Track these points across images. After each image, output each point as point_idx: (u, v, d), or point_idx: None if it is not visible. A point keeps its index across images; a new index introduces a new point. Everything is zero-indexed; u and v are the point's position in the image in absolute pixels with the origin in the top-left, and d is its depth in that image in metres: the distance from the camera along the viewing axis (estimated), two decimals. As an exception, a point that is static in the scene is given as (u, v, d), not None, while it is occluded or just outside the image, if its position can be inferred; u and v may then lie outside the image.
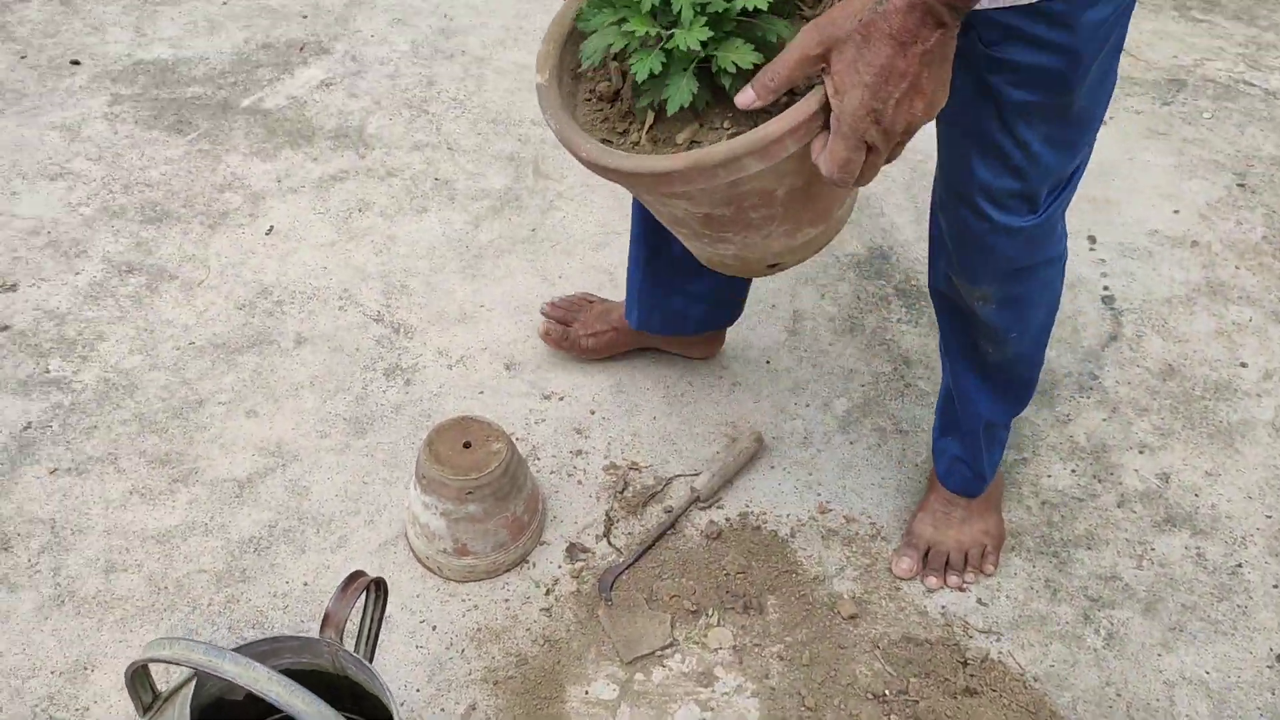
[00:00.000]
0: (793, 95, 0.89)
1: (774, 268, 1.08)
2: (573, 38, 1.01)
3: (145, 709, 1.11)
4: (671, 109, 0.90)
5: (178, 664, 0.99)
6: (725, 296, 1.62)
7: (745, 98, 0.87)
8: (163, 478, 1.58)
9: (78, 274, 1.89)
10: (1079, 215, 2.04)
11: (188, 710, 1.04)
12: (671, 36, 0.89)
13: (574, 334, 1.73)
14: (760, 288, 1.87)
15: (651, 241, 1.54)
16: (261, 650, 1.12)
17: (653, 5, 0.91)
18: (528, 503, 1.48)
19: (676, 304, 1.61)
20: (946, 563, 1.49)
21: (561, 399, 1.71)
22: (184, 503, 1.55)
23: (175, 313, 1.83)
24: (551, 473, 1.61)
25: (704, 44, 0.89)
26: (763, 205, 0.95)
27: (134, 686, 1.09)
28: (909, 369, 1.77)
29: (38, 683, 1.35)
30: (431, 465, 1.40)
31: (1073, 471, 1.64)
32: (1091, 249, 2.00)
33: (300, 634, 1.18)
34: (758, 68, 0.89)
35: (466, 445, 1.43)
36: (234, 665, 0.97)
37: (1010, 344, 1.34)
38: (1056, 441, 1.68)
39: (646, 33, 0.91)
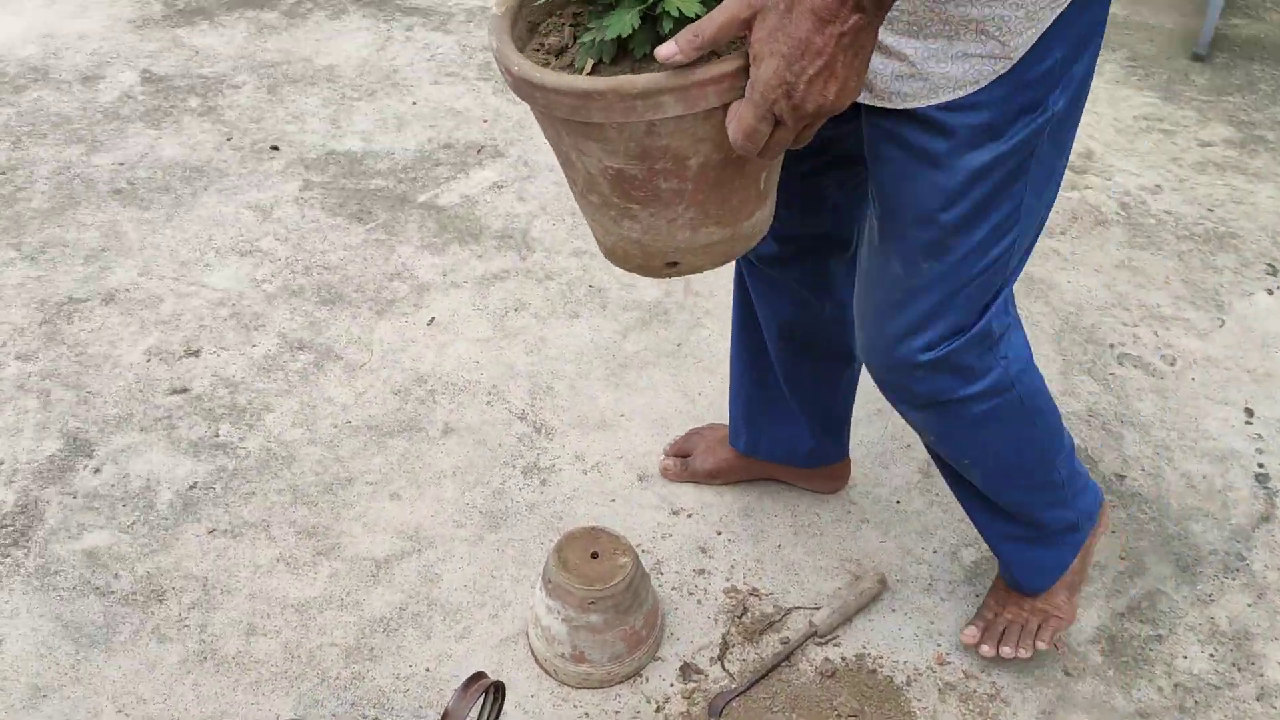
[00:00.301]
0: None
1: (673, 266, 1.06)
2: None
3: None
4: (609, 34, 0.91)
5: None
6: (824, 424, 1.65)
7: (667, 49, 0.86)
8: (308, 549, 1.67)
9: (254, 346, 2.03)
10: (1237, 387, 1.99)
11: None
12: None
13: (692, 464, 1.78)
14: (896, 423, 1.88)
15: (752, 363, 1.59)
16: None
17: None
18: (647, 618, 1.51)
19: (781, 431, 1.65)
20: (1003, 634, 1.51)
21: (689, 516, 1.74)
22: (325, 575, 1.63)
23: (336, 391, 1.94)
24: (673, 589, 1.63)
25: None
26: (674, 175, 0.95)
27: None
28: (1043, 525, 1.74)
29: (173, 734, 1.43)
30: (559, 572, 1.45)
31: (1211, 656, 1.57)
32: (1248, 423, 1.94)
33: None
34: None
35: (594, 555, 1.47)
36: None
37: (976, 477, 1.35)
38: (1196, 622, 1.62)
39: None
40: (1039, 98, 1.04)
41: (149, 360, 1.99)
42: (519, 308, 2.14)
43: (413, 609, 1.59)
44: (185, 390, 1.94)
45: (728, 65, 0.88)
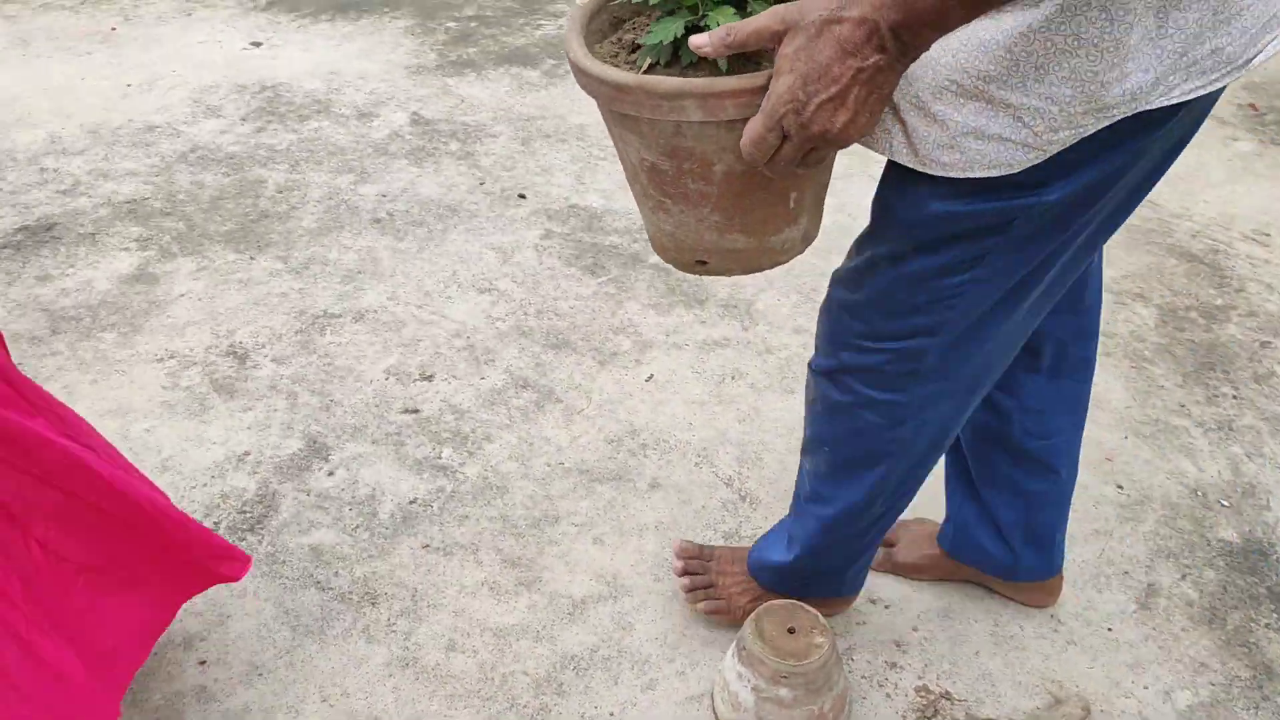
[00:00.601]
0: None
1: (703, 265, 1.12)
2: None
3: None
4: (649, 41, 0.99)
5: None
6: (1026, 536, 1.61)
7: (699, 39, 0.92)
8: (511, 578, 1.73)
9: (483, 379, 2.14)
10: None
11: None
12: None
13: (896, 555, 1.76)
14: (1115, 548, 1.80)
15: (958, 460, 1.61)
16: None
17: None
18: (835, 702, 1.49)
19: (983, 536, 1.63)
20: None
21: (887, 607, 1.71)
22: (524, 605, 1.69)
23: (553, 432, 2.02)
24: (863, 678, 1.61)
25: (703, 2, 0.98)
26: (700, 177, 1.02)
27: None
28: (1270, 680, 1.62)
29: (370, 731, 1.50)
30: (754, 641, 1.45)
31: None
32: None
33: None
34: None
35: (791, 631, 1.47)
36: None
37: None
38: None
39: None
40: (1038, 180, 1.05)
41: (387, 379, 2.13)
42: (736, 376, 2.17)
43: (604, 652, 1.62)
44: (416, 411, 2.06)
45: (747, 81, 0.93)
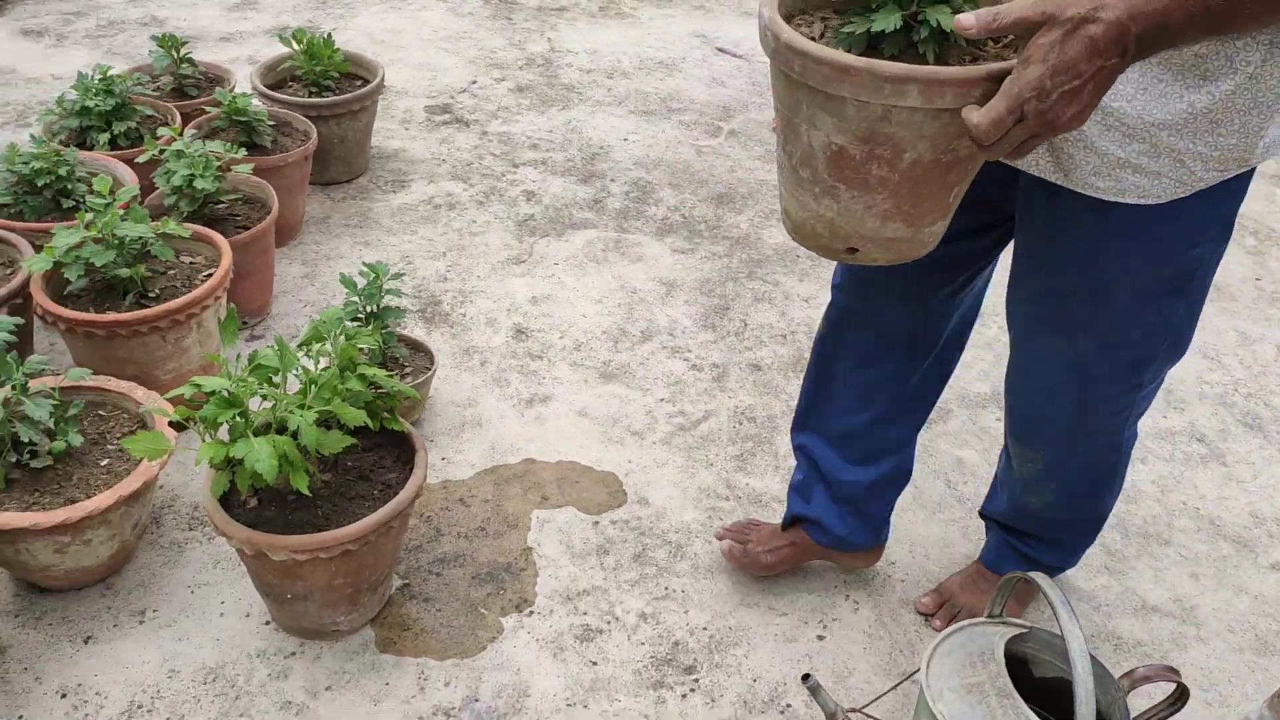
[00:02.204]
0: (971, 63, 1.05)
1: (853, 253, 1.15)
2: None
3: None
4: (876, 28, 1.02)
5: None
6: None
7: (967, 20, 0.96)
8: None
9: None
10: None
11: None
12: None
13: (752, 551, 1.95)
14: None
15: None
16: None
17: None
18: None
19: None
20: (956, 616, 1.89)
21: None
22: None
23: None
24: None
25: None
26: (888, 163, 1.05)
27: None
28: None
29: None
30: None
31: None
32: None
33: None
34: (945, 36, 1.03)
35: None
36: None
37: (1049, 496, 1.73)
38: None
39: None
40: (1220, 233, 1.32)
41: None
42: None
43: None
44: None
45: (971, 73, 0.97)
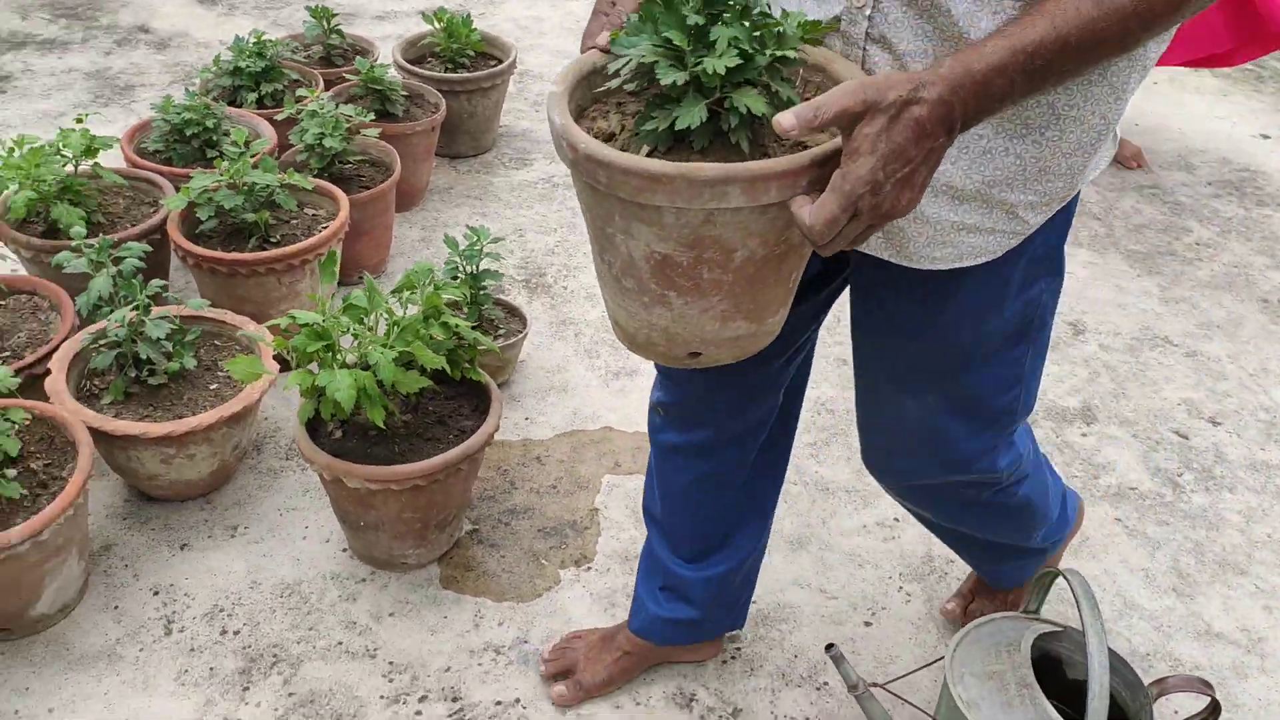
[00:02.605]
0: (767, 152, 0.98)
1: (695, 356, 1.06)
2: (586, 79, 1.06)
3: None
4: (681, 125, 0.94)
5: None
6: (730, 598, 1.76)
7: (787, 121, 0.88)
8: None
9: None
10: None
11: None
12: (700, 61, 0.94)
13: (584, 680, 1.75)
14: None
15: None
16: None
17: (696, 24, 0.95)
18: None
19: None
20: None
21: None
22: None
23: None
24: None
25: (724, 81, 0.94)
26: (718, 265, 0.97)
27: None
28: None
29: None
30: None
31: None
32: None
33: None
34: (757, 120, 0.97)
35: None
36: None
37: (967, 532, 1.67)
38: None
39: (679, 49, 0.96)
40: (1052, 268, 1.30)
41: (487, 313, 2.29)
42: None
43: None
44: (510, 343, 2.21)
45: (794, 162, 0.90)
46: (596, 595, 1.96)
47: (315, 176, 2.57)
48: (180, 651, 1.81)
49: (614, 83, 1.02)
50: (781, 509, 2.15)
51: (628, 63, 0.99)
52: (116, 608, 1.88)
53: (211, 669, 1.79)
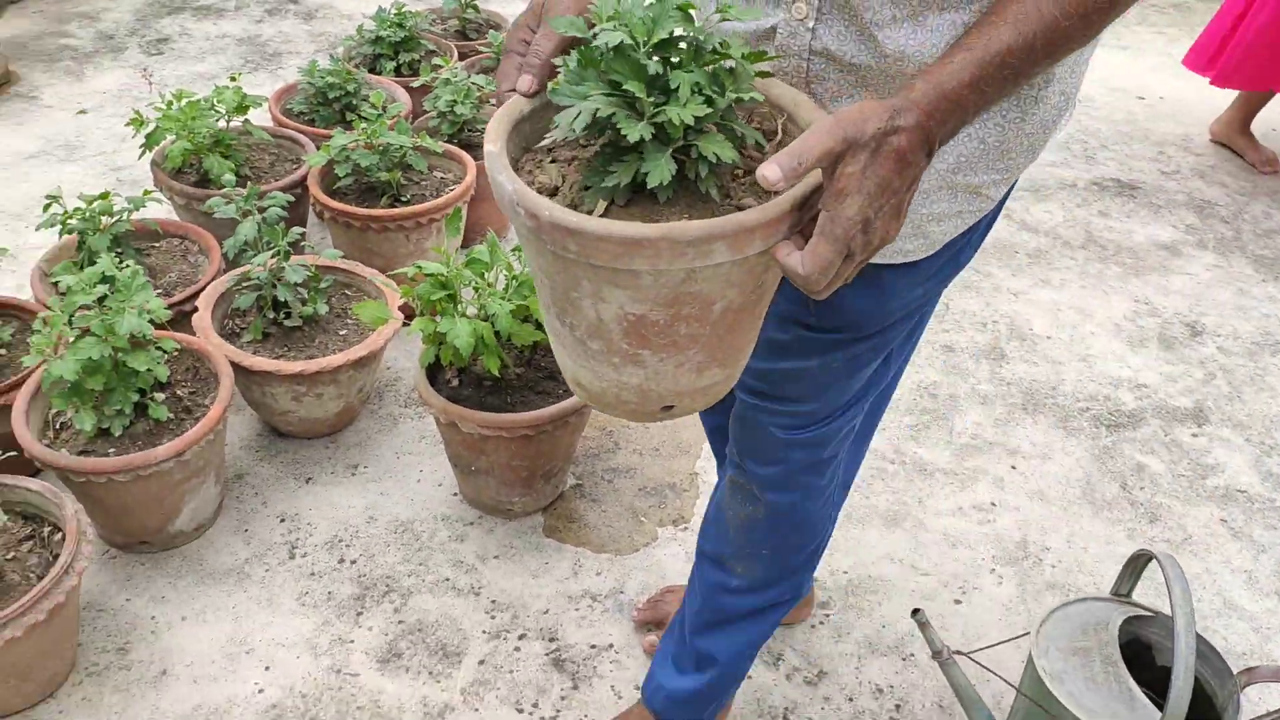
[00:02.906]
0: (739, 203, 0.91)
1: (668, 410, 0.99)
2: (519, 126, 0.98)
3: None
4: (652, 182, 0.87)
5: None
6: None
7: (773, 174, 0.81)
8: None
9: None
10: None
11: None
12: (662, 109, 0.86)
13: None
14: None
15: None
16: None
17: (655, 72, 0.87)
18: None
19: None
20: None
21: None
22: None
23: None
24: (982, 587, 1.71)
25: (689, 129, 0.87)
26: (696, 320, 0.90)
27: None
28: None
29: None
30: None
31: None
32: None
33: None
34: (724, 168, 0.92)
35: None
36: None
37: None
38: None
39: (638, 100, 0.87)
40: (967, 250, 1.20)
41: None
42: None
43: None
44: None
45: (778, 209, 0.84)
46: (691, 554, 2.02)
47: (446, 141, 2.68)
48: (302, 575, 1.95)
49: (556, 135, 0.92)
50: (878, 485, 2.19)
51: (578, 115, 0.88)
52: (246, 530, 2.02)
53: (329, 593, 1.91)
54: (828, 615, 1.92)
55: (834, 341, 1.20)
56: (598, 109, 0.87)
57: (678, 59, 0.89)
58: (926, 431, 2.35)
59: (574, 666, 1.82)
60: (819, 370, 1.22)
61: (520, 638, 1.86)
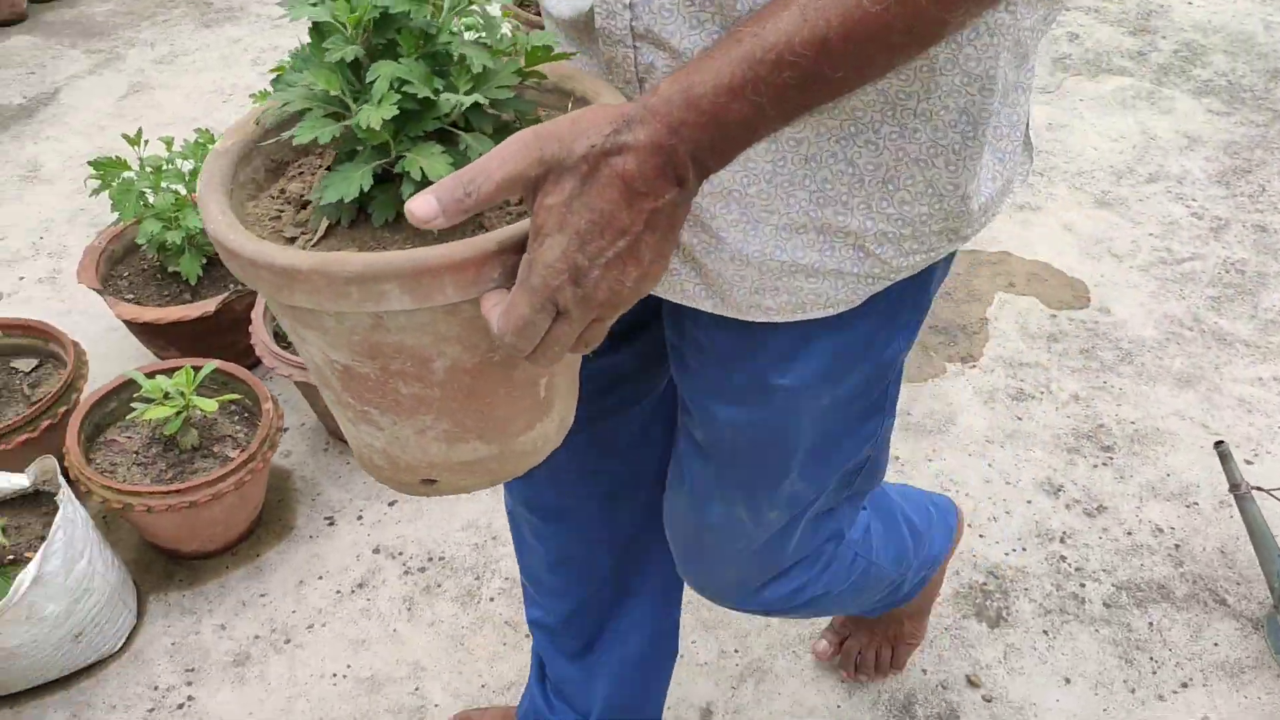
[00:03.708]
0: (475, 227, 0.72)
1: (431, 484, 0.83)
2: (281, 126, 0.81)
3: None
4: (327, 199, 0.71)
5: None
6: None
7: (424, 209, 0.62)
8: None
9: None
10: None
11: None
12: (357, 111, 0.69)
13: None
14: None
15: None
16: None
17: (353, 58, 0.70)
18: None
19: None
20: (858, 661, 1.57)
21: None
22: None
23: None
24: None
25: (394, 137, 0.70)
26: (415, 378, 0.73)
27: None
28: None
29: None
30: None
31: None
32: None
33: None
34: None
35: None
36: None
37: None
38: None
39: (331, 97, 0.71)
40: (913, 320, 0.93)
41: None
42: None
43: None
44: None
45: (472, 249, 0.65)
46: (978, 389, 2.11)
47: None
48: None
49: (269, 140, 0.79)
50: (1173, 348, 2.19)
51: (282, 108, 0.74)
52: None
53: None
54: (1110, 459, 1.97)
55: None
56: (287, 103, 0.72)
57: (402, 46, 0.71)
58: (1228, 304, 2.31)
59: (861, 471, 1.96)
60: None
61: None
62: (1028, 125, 0.86)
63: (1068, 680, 1.62)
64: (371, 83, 0.69)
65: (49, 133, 2.95)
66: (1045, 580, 1.77)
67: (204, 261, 1.99)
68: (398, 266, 0.64)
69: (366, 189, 0.70)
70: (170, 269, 1.99)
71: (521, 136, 0.62)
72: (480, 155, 0.66)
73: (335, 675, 1.64)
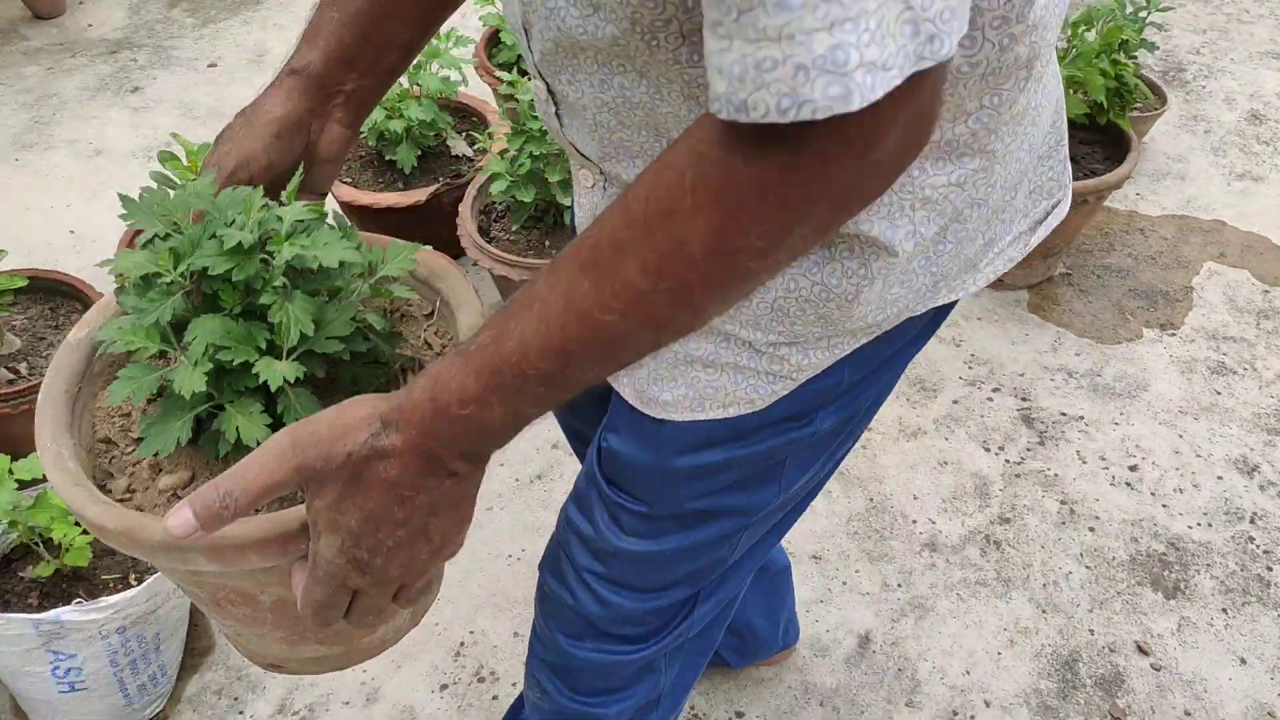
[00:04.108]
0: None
1: (277, 668, 0.83)
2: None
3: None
4: (143, 452, 0.71)
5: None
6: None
7: (182, 526, 0.61)
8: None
9: None
10: None
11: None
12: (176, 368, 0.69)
13: None
14: None
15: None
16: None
17: (169, 318, 0.69)
18: None
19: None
20: None
21: None
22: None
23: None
24: None
25: (216, 386, 0.70)
26: (244, 604, 0.73)
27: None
28: None
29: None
30: None
31: None
32: None
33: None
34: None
35: None
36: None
37: None
38: None
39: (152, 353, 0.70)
40: (807, 410, 0.82)
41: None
42: None
43: None
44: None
45: (274, 527, 0.66)
46: (1175, 358, 2.03)
47: None
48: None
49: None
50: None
51: (102, 346, 0.73)
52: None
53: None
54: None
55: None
56: (112, 342, 0.71)
57: (223, 302, 0.70)
58: None
59: (1042, 426, 1.92)
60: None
61: (994, 390, 1.98)
62: (991, 242, 0.79)
63: (1243, 661, 1.58)
64: (192, 339, 0.68)
65: (277, 20, 3.09)
66: (1229, 559, 1.71)
67: (419, 154, 2.07)
68: (200, 542, 0.63)
69: (184, 442, 0.70)
70: (387, 157, 2.08)
71: (279, 442, 0.61)
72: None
73: (510, 556, 1.73)
